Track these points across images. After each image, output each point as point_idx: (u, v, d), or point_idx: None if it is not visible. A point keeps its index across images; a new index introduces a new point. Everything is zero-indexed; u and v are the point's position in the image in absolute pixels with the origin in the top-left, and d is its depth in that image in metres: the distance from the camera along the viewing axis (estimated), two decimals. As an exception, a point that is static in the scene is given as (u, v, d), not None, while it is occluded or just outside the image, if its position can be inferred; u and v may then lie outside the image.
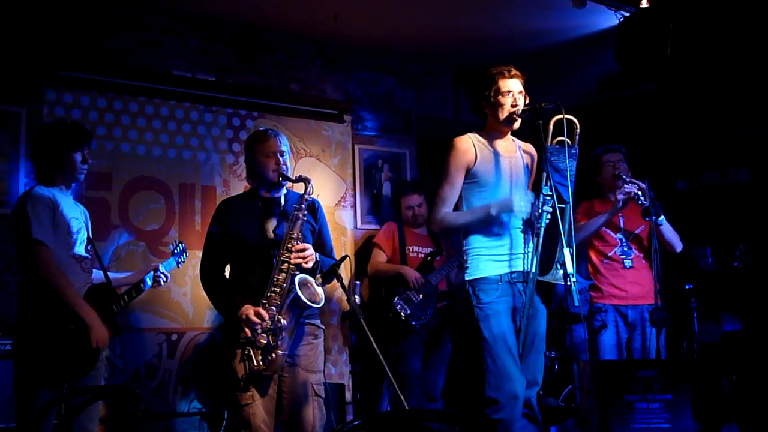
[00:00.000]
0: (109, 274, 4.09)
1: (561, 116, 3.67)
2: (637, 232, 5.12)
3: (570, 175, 3.68)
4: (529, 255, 3.78)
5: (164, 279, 4.37)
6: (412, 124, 6.81)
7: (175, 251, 4.62)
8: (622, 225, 5.12)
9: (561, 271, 3.53)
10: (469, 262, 3.88)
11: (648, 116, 6.25)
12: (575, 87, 6.68)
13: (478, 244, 3.89)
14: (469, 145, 3.90)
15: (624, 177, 4.93)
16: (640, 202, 4.80)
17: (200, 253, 3.87)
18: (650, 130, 6.18)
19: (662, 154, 6.15)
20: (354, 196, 6.46)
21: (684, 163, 6.22)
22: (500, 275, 3.81)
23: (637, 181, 4.84)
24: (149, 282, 4.30)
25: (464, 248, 3.92)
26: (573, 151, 3.74)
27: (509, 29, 6.05)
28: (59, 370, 3.68)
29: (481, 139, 3.95)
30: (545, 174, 3.71)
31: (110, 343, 3.98)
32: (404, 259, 5.68)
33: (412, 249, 5.74)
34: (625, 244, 5.09)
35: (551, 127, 3.74)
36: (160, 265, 4.39)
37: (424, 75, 7.03)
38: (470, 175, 3.88)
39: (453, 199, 3.90)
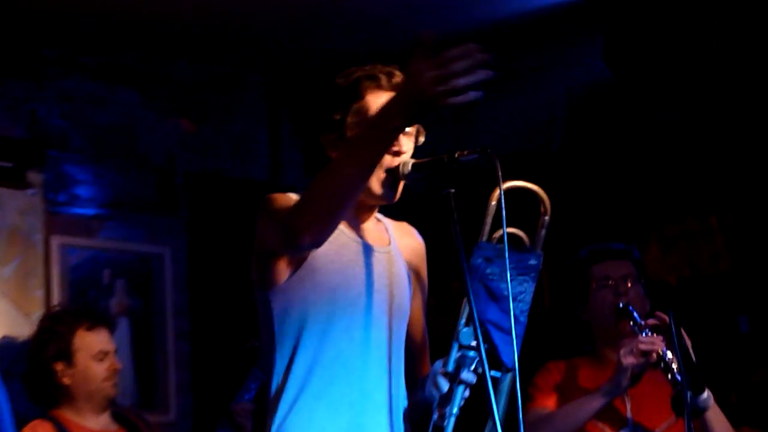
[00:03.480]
0: None
1: (513, 184, 2.45)
2: (658, 431, 3.72)
3: (522, 310, 2.38)
4: None
5: None
6: (179, 193, 4.68)
7: None
8: (629, 414, 3.77)
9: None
10: None
11: (666, 173, 4.37)
12: (526, 117, 4.77)
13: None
14: None
15: (636, 316, 3.44)
16: (669, 376, 3.27)
17: None
18: (670, 198, 4.42)
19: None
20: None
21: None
22: None
23: (658, 339, 3.32)
24: None
25: None
26: (533, 262, 2.43)
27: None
28: None
29: None
30: (466, 304, 2.37)
31: None
32: None
33: None
34: None
35: (492, 204, 2.46)
36: None
37: (205, 85, 4.79)
38: (299, 276, 2.35)
39: None
